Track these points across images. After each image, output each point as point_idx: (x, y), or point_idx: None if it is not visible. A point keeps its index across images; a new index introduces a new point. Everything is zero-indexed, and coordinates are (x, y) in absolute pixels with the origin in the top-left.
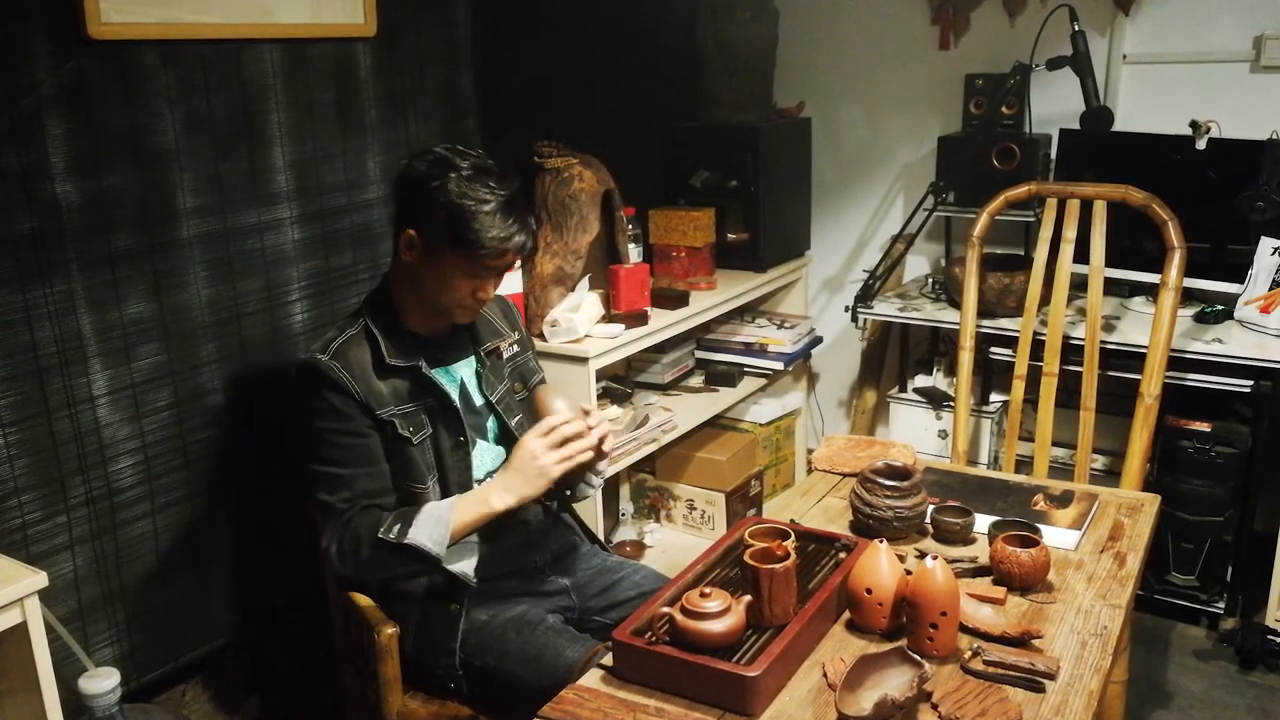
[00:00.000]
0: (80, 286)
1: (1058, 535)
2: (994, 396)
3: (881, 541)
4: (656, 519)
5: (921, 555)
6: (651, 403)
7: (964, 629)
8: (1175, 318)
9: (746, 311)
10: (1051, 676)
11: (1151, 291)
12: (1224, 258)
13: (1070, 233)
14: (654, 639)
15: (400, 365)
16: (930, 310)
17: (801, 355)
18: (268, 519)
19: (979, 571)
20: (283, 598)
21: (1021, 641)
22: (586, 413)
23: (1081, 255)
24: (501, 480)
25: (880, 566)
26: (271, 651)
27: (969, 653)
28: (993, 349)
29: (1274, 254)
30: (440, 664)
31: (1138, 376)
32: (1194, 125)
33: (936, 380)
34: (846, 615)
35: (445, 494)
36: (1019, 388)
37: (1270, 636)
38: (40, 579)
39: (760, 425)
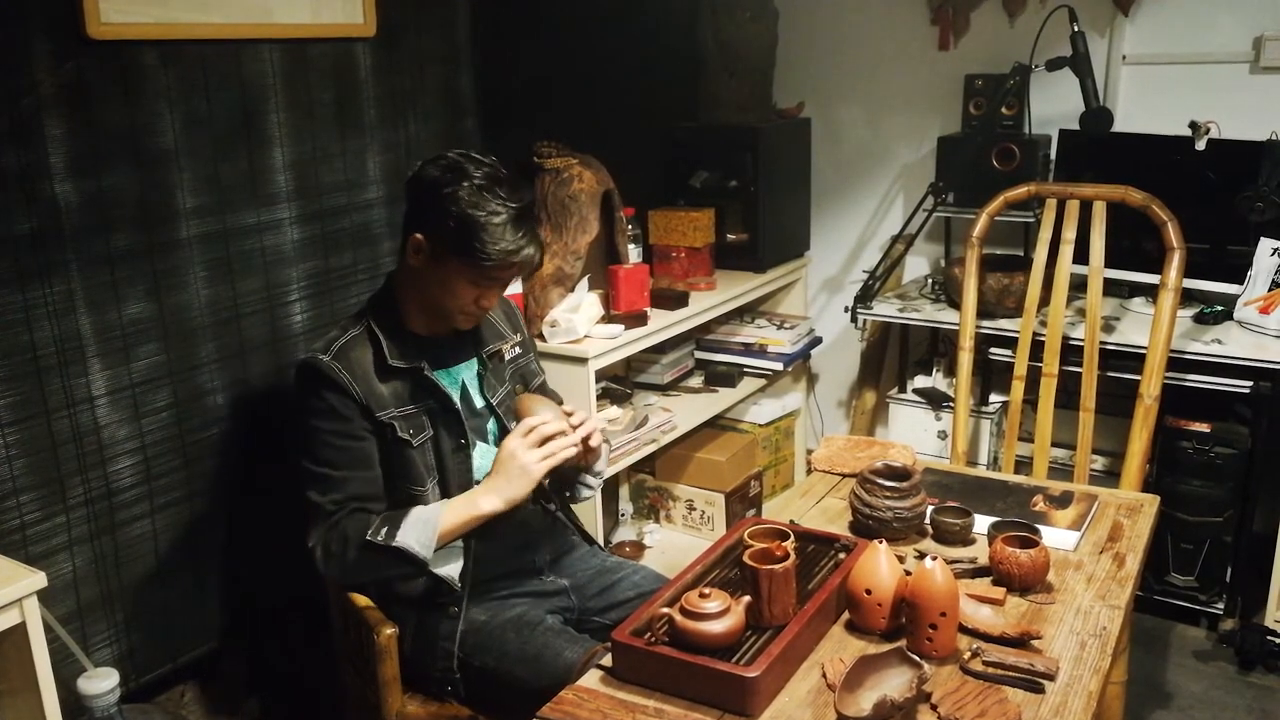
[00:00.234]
0: (79, 287)
1: (1057, 536)
2: (993, 397)
3: (881, 542)
4: (656, 519)
5: (921, 556)
6: (651, 403)
7: (963, 630)
8: (1175, 318)
9: (746, 312)
10: (1051, 677)
11: (1151, 292)
12: (1223, 258)
13: (1070, 233)
14: (653, 639)
15: (402, 367)
16: (930, 311)
17: (801, 356)
18: (267, 519)
19: (978, 572)
20: (282, 598)
21: (1021, 642)
22: (569, 414)
23: (1081, 256)
24: (487, 484)
25: (879, 567)
26: (271, 652)
27: (968, 653)
28: (992, 349)
29: (1273, 255)
30: (438, 666)
31: (1137, 377)
32: (1193, 126)
33: (936, 381)
34: (846, 616)
35: (445, 496)
36: (1018, 388)
37: (1269, 637)
38: (39, 579)
39: (760, 426)
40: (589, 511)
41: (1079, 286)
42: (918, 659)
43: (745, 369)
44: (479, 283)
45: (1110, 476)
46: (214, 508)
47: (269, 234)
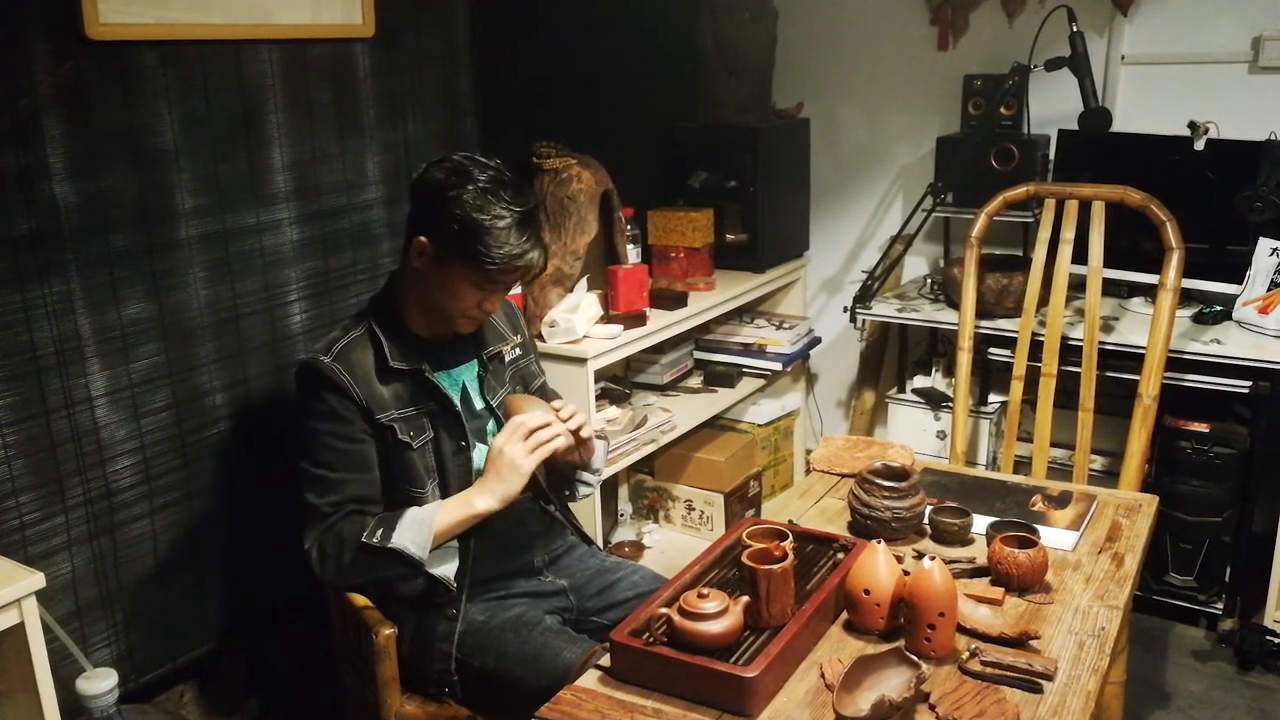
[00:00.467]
0: (78, 287)
1: (1056, 536)
2: (992, 397)
3: (879, 542)
4: (655, 519)
5: (919, 556)
6: (650, 403)
7: (962, 630)
8: (1174, 318)
9: (745, 312)
10: (1049, 677)
11: (1150, 292)
12: (1222, 258)
13: (1068, 233)
14: (652, 640)
15: (403, 368)
16: (929, 311)
17: (800, 356)
18: (266, 520)
19: (977, 572)
20: (281, 598)
21: (1019, 642)
22: (557, 409)
23: (1080, 256)
24: (480, 483)
25: (878, 567)
26: (270, 652)
27: (967, 653)
28: (991, 350)
29: (1272, 255)
30: (436, 667)
31: (1136, 377)
32: (1192, 126)
33: (935, 381)
34: (844, 616)
35: (445, 497)
36: (1017, 388)
37: (1269, 637)
38: (38, 579)
39: (759, 426)
40: (588, 512)
41: (1078, 286)
42: (916, 659)
43: (744, 369)
44: (482, 286)
45: (1109, 476)
46: (213, 508)
47: (268, 234)
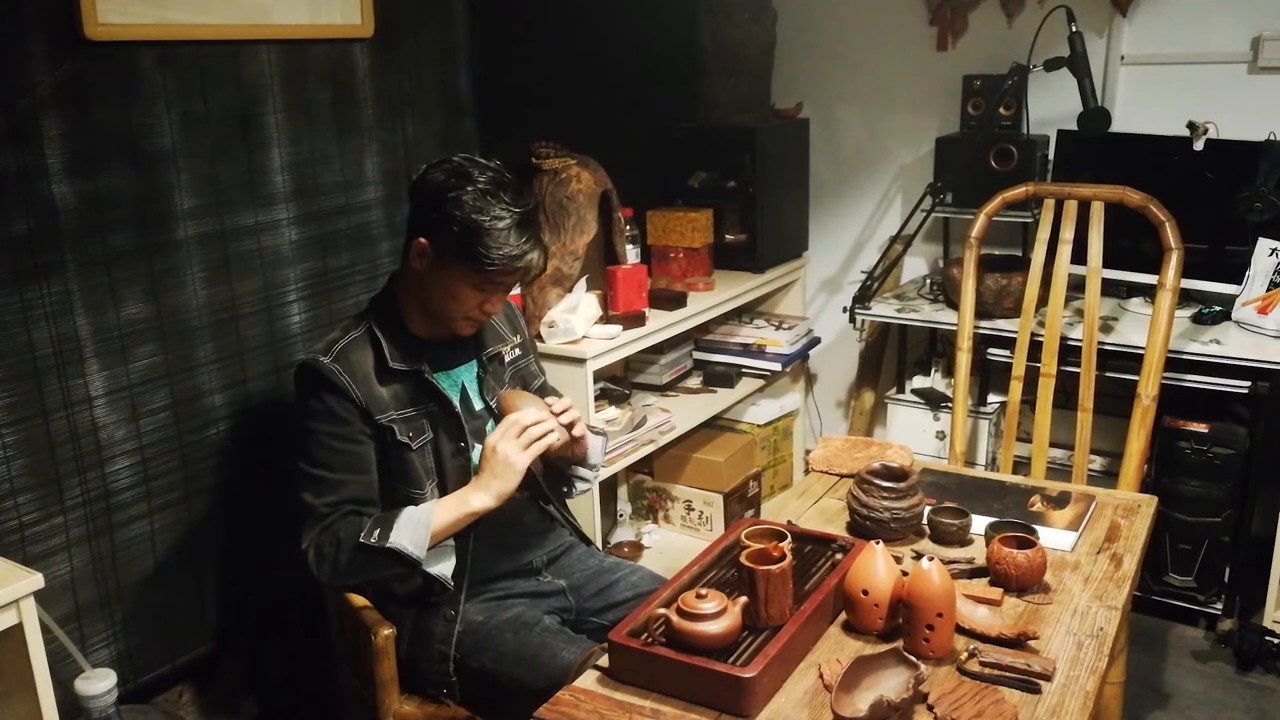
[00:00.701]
0: (77, 287)
1: (1054, 536)
2: (991, 397)
3: (878, 543)
4: (654, 520)
5: (918, 556)
6: (649, 404)
7: (960, 630)
8: (1173, 319)
9: (744, 312)
10: (1047, 678)
11: (1149, 292)
12: (1221, 258)
13: (1068, 234)
14: (650, 640)
15: (402, 369)
16: (928, 311)
17: (799, 356)
18: (265, 520)
19: (975, 572)
20: (280, 599)
21: (1018, 643)
22: (550, 405)
23: (1079, 256)
24: (475, 482)
25: (876, 568)
26: (269, 653)
27: (965, 654)
28: (990, 350)
29: (1271, 255)
30: (435, 667)
31: (1135, 377)
32: (1191, 126)
33: (934, 381)
34: (843, 616)
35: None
36: (1016, 389)
37: (1268, 637)
38: (36, 580)
39: (758, 426)
40: (587, 512)
41: (1077, 287)
42: (914, 659)
43: (744, 369)
44: (482, 287)
45: (1109, 477)
46: (212, 508)
47: (267, 235)
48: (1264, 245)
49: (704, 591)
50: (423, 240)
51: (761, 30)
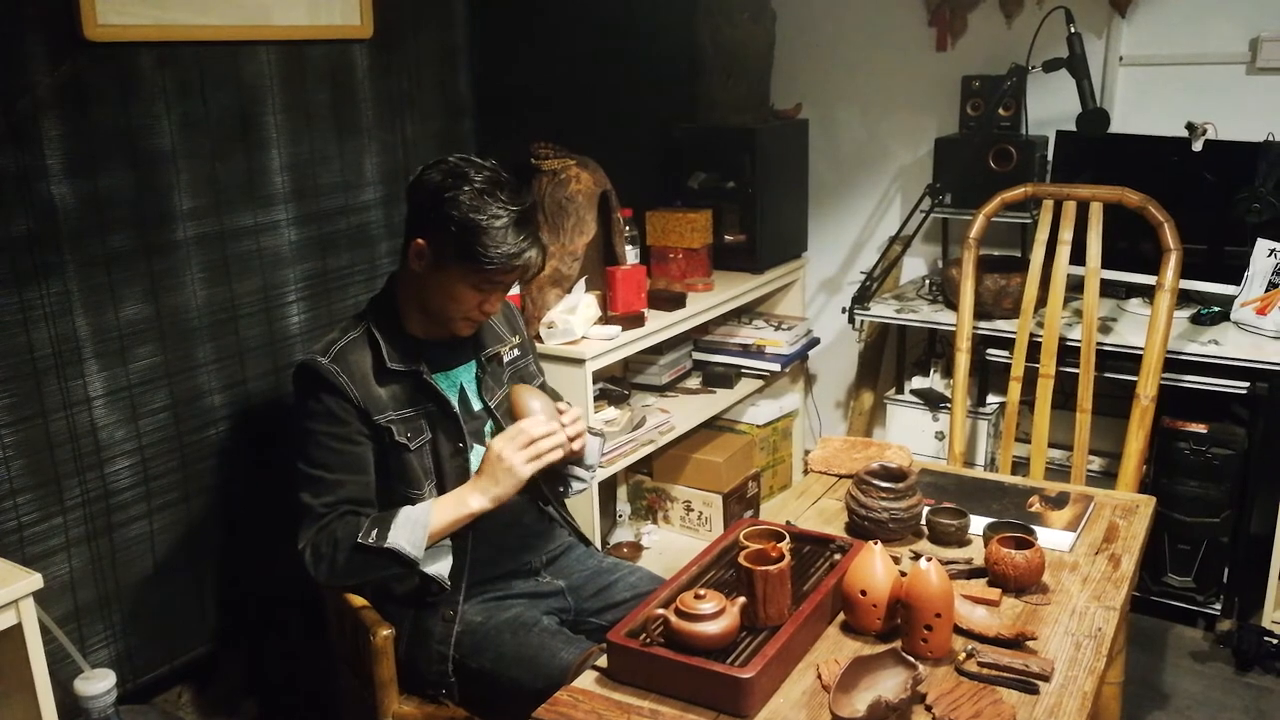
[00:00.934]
0: (76, 288)
1: (1053, 537)
2: (990, 398)
3: (876, 543)
4: (654, 520)
5: (916, 557)
6: (649, 404)
7: (958, 630)
8: (1171, 319)
9: (744, 313)
10: (1046, 678)
11: (1148, 293)
12: (1220, 259)
13: (1066, 234)
14: (649, 640)
15: (401, 370)
16: (927, 312)
17: (799, 356)
18: (264, 520)
19: (974, 573)
20: (279, 599)
21: (1016, 643)
22: (562, 412)
23: (1078, 257)
24: (475, 483)
25: (875, 568)
26: (268, 653)
27: (963, 654)
28: (989, 350)
29: (1270, 255)
30: (433, 668)
31: (1134, 378)
32: (1190, 127)
33: (933, 382)
34: (841, 617)
35: None
36: (1015, 389)
37: (1267, 638)
38: (35, 580)
39: (758, 427)
40: (586, 512)
41: (1076, 287)
42: (913, 660)
43: (743, 370)
44: (481, 287)
45: (1108, 477)
46: (211, 509)
47: (266, 235)
48: (1262, 246)
49: (702, 592)
50: (421, 241)
51: (761, 31)
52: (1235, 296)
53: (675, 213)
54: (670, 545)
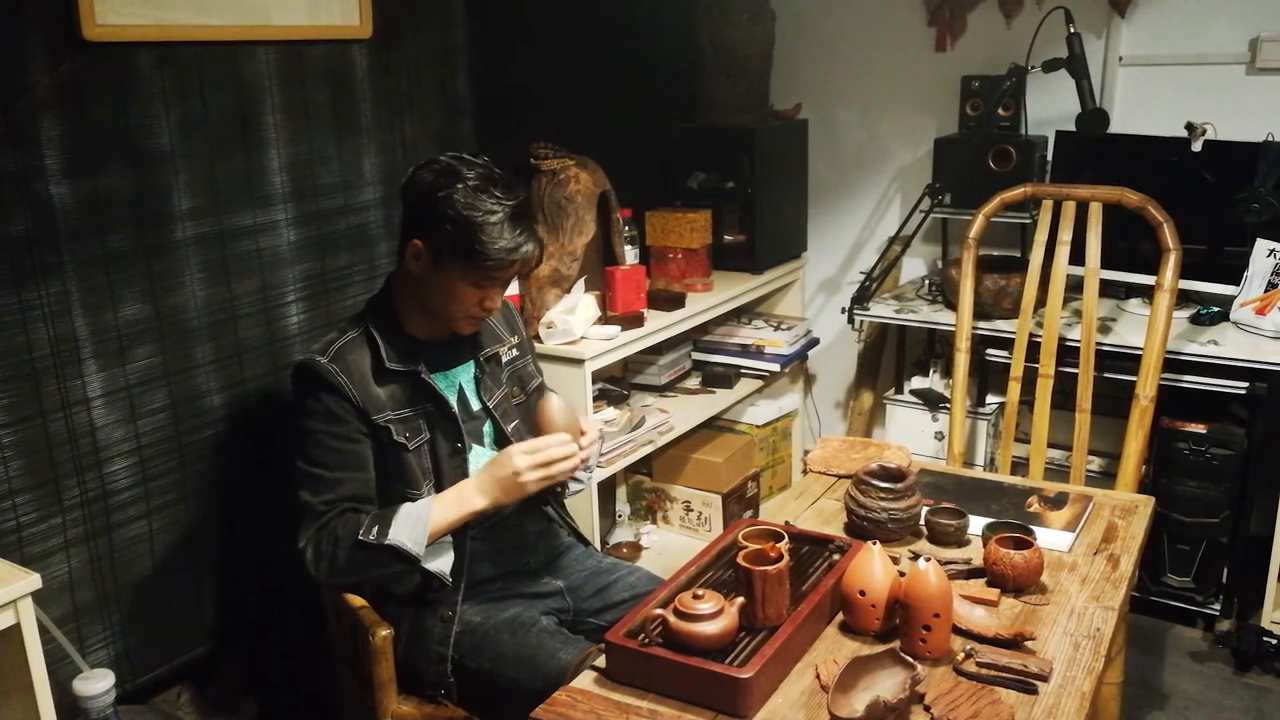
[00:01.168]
0: (75, 288)
1: (1052, 537)
2: (990, 398)
3: (875, 543)
4: (653, 520)
5: (915, 557)
6: (648, 404)
7: (957, 631)
8: (1171, 319)
9: (743, 313)
10: (1044, 678)
11: (1147, 293)
12: (1220, 259)
13: (1066, 235)
14: (647, 641)
15: (399, 370)
16: (926, 312)
17: (798, 357)
18: (263, 520)
19: (973, 573)
20: (278, 599)
21: (1014, 643)
22: (583, 433)
23: (1077, 257)
24: (479, 483)
25: (873, 568)
26: (267, 653)
27: (962, 654)
28: (989, 351)
29: (1269, 256)
30: (432, 668)
31: (1133, 378)
32: (1190, 127)
33: (933, 382)
34: (840, 617)
35: None
36: (1015, 389)
37: (1266, 638)
38: (34, 580)
39: (757, 427)
40: (585, 512)
41: (1075, 288)
42: (911, 660)
43: (742, 370)
44: (480, 284)
45: (1107, 478)
46: (210, 509)
47: (265, 235)
48: (1262, 246)
49: (701, 592)
50: (418, 242)
51: (760, 31)
52: (1234, 297)
53: (675, 213)
54: (669, 545)
